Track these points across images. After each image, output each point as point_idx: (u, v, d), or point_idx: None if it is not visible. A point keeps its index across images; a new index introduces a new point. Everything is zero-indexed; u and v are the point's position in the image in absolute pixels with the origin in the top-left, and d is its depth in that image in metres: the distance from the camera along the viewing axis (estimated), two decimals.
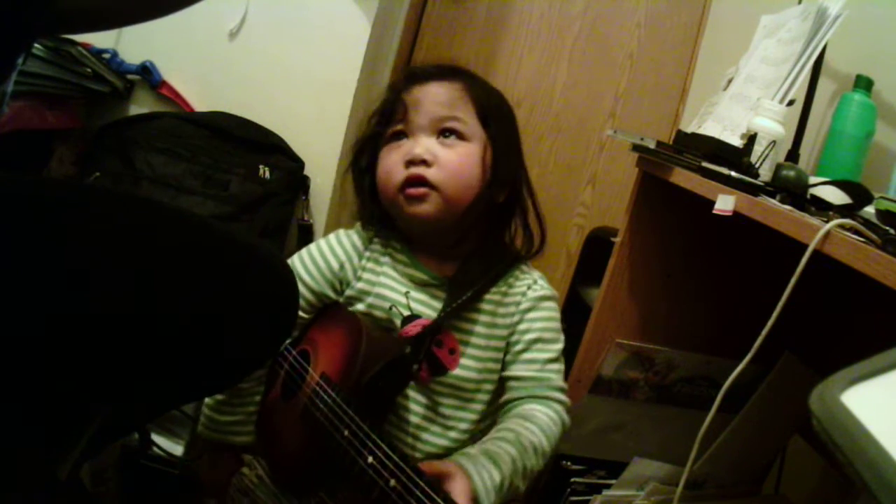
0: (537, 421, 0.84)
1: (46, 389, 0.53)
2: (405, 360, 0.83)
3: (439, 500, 0.61)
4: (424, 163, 0.84)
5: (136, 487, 1.13)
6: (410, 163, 0.85)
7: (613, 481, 1.01)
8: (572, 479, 1.04)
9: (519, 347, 0.90)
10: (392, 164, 0.86)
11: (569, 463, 1.04)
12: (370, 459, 0.68)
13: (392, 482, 0.65)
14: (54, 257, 0.52)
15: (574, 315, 1.61)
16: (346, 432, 0.73)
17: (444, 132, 0.86)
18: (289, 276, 0.71)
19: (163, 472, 1.14)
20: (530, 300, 0.91)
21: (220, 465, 0.92)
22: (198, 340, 0.60)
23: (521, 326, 0.90)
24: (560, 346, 0.91)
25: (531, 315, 0.90)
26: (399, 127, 0.88)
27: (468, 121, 0.87)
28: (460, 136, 0.86)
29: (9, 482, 0.51)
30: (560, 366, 0.90)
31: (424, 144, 0.85)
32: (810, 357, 0.96)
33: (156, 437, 1.15)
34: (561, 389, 0.89)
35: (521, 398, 0.88)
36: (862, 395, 0.32)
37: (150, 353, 0.57)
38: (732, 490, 1.05)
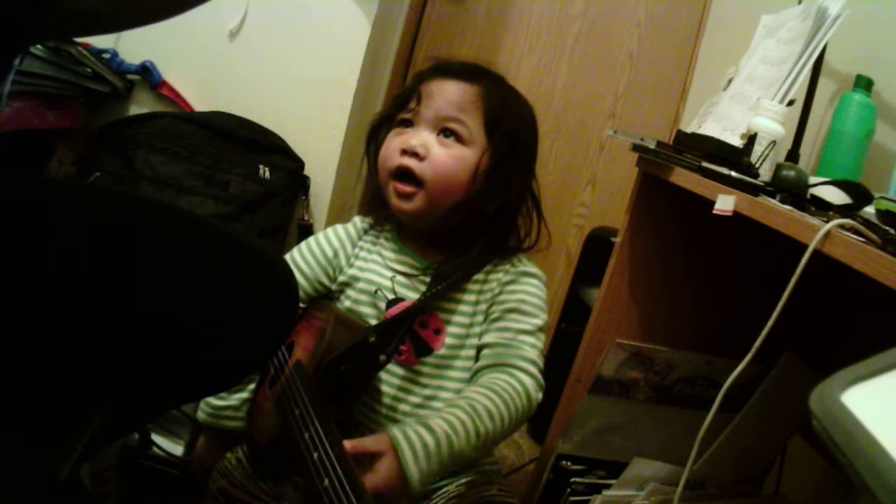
0: (494, 387, 0.80)
1: (46, 389, 0.53)
2: (368, 347, 0.83)
3: (341, 474, 0.63)
4: (416, 155, 0.86)
5: (136, 487, 1.13)
6: (404, 152, 0.87)
7: (613, 481, 1.01)
8: (572, 479, 1.04)
9: (494, 316, 0.89)
10: (391, 149, 0.89)
11: (569, 463, 1.04)
12: (306, 436, 0.71)
13: (315, 455, 0.68)
14: (53, 257, 0.52)
15: (574, 315, 1.62)
16: (297, 412, 0.76)
17: (444, 131, 0.88)
18: (289, 276, 0.71)
19: (163, 472, 1.14)
20: (513, 273, 0.91)
21: (212, 447, 0.95)
22: (197, 340, 0.60)
23: (500, 297, 0.89)
24: (538, 322, 0.88)
25: (511, 287, 0.90)
26: (408, 115, 0.90)
27: (471, 126, 0.88)
28: (459, 139, 0.88)
29: (8, 482, 0.51)
30: (535, 341, 0.87)
31: (422, 137, 0.87)
32: (810, 357, 0.96)
33: (156, 437, 1.15)
34: (531, 361, 0.84)
35: (489, 366, 0.85)
36: (862, 395, 0.32)
37: (150, 353, 0.57)
38: (732, 490, 1.05)
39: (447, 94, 0.88)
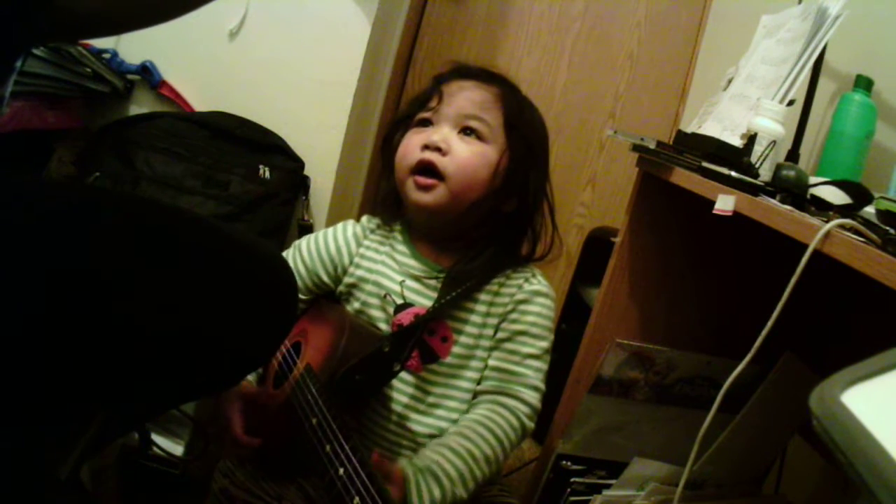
0: (496, 431, 0.84)
1: (46, 389, 0.53)
2: (383, 356, 0.84)
3: (374, 493, 0.66)
4: (439, 150, 0.87)
5: (136, 487, 1.13)
6: (426, 147, 0.88)
7: (613, 481, 1.01)
8: (572, 479, 1.04)
9: (503, 335, 0.90)
10: (411, 146, 0.90)
11: (569, 463, 1.04)
12: (327, 448, 0.72)
13: (341, 471, 0.69)
14: (53, 257, 0.52)
15: (574, 315, 1.61)
16: (314, 421, 0.77)
17: (465, 129, 0.89)
18: (288, 275, 0.71)
19: (163, 472, 1.14)
20: (526, 292, 0.91)
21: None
22: (197, 340, 0.60)
23: (512, 316, 0.90)
24: (545, 344, 0.91)
25: (523, 307, 0.91)
26: (427, 115, 0.91)
27: (492, 124, 0.90)
28: (480, 137, 0.89)
29: (9, 482, 0.51)
30: (541, 364, 0.90)
31: (443, 133, 0.89)
32: (810, 357, 0.96)
33: (156, 437, 1.15)
34: (534, 388, 0.88)
35: (491, 392, 0.88)
36: (862, 395, 0.32)
37: (149, 353, 0.57)
38: (732, 490, 1.05)
39: (469, 94, 0.90)
